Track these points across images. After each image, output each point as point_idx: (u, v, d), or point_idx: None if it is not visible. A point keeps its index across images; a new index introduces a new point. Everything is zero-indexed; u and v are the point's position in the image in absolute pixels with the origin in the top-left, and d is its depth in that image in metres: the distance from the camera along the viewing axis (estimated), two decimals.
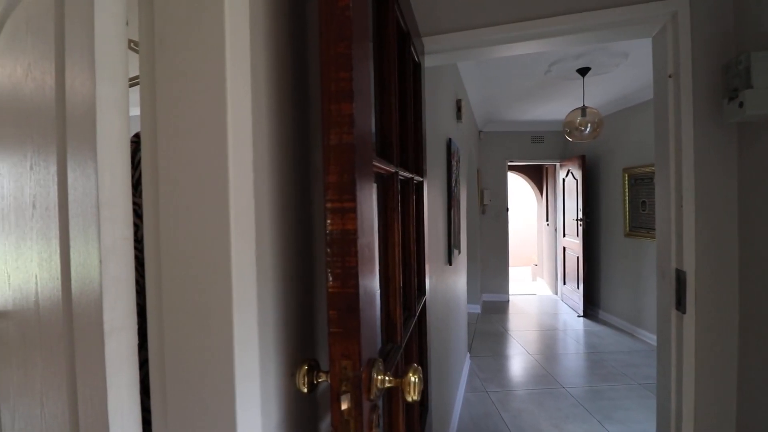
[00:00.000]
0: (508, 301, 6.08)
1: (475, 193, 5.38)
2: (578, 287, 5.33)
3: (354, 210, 0.52)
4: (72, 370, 0.58)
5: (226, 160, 0.48)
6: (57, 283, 0.62)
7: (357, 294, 0.52)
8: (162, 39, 0.52)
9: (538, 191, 7.72)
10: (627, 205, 4.63)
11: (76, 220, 0.55)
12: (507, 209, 6.04)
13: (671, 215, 1.32)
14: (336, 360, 0.52)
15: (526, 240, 9.26)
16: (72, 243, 0.57)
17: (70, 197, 0.57)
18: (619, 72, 3.72)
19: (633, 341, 4.35)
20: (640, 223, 4.44)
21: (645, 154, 4.30)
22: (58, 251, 0.60)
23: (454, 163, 2.61)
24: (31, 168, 0.70)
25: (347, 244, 0.52)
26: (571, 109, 4.79)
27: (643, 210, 4.39)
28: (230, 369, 0.47)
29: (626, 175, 4.62)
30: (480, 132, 5.92)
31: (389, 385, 0.56)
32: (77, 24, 0.55)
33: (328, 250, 0.52)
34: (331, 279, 0.52)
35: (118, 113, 0.53)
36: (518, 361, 3.88)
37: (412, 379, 0.55)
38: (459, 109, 3.04)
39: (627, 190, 4.62)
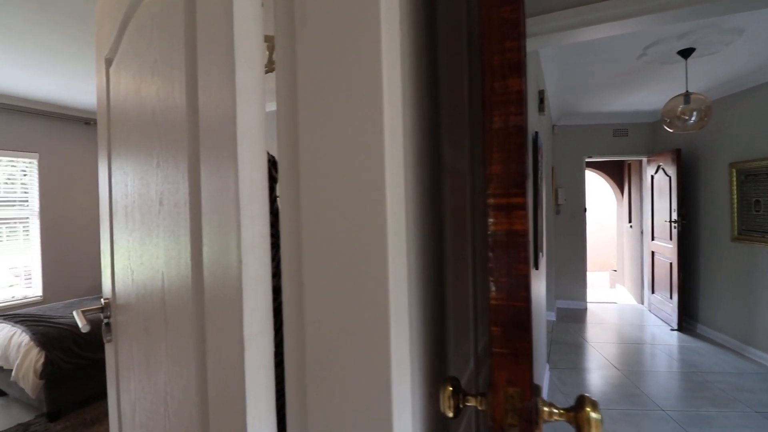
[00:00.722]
0: (586, 309, 5.61)
1: (551, 192, 5.04)
2: (671, 297, 4.76)
3: (524, 206, 0.43)
4: (203, 374, 0.56)
5: (382, 155, 0.41)
6: (186, 281, 0.60)
7: (528, 308, 0.43)
8: (303, 18, 0.47)
9: (618, 190, 7.07)
10: (735, 206, 4.04)
11: (210, 217, 0.53)
12: (585, 209, 5.59)
13: None
14: (500, 386, 0.44)
15: (603, 243, 8.54)
16: (205, 241, 0.54)
17: (203, 194, 0.54)
18: (730, 51, 3.24)
19: (743, 361, 3.77)
20: (753, 225, 3.84)
21: (759, 145, 3.72)
22: (189, 249, 0.58)
23: (539, 158, 2.42)
24: (158, 165, 0.69)
25: (515, 247, 0.43)
26: (663, 97, 4.29)
27: (757, 210, 3.80)
28: (387, 391, 0.41)
29: (734, 170, 4.03)
30: (554, 126, 5.53)
31: (558, 419, 0.46)
32: (212, 11, 0.52)
33: (491, 254, 0.44)
34: (494, 289, 0.44)
35: (256, 104, 0.49)
36: (604, 376, 3.53)
37: (593, 415, 0.45)
38: (541, 100, 2.82)
39: (735, 187, 4.03)
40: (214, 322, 0.52)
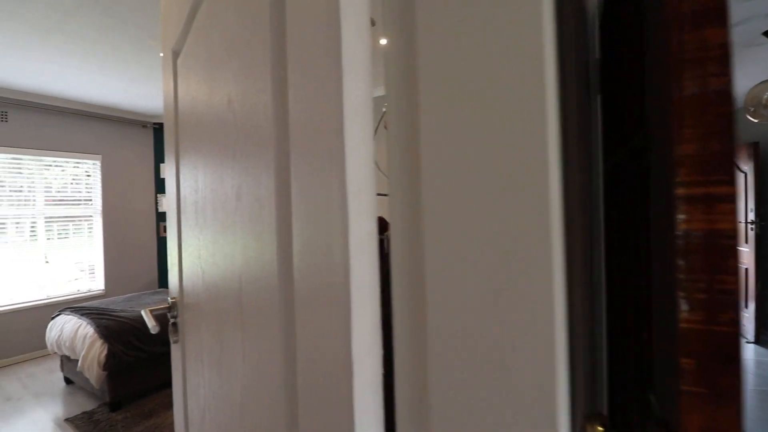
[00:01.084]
0: None
1: None
2: (746, 306, 4.31)
3: (731, 198, 0.32)
4: (292, 394, 0.49)
5: (546, 155, 0.32)
6: (270, 284, 0.53)
7: (737, 335, 0.32)
8: None
9: None
10: None
11: (304, 213, 0.45)
12: None
13: None
14: None
15: None
16: (296, 240, 0.47)
17: (294, 186, 0.47)
18: None
19: None
20: None
21: None
22: (275, 249, 0.51)
23: None
24: (234, 157, 0.64)
25: (719, 253, 0.32)
26: (743, 84, 3.87)
27: None
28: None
29: None
30: None
31: None
32: None
33: (682, 262, 0.33)
34: (686, 308, 0.33)
35: (364, 82, 0.41)
36: None
37: None
38: None
39: None
40: (309, 334, 0.45)
